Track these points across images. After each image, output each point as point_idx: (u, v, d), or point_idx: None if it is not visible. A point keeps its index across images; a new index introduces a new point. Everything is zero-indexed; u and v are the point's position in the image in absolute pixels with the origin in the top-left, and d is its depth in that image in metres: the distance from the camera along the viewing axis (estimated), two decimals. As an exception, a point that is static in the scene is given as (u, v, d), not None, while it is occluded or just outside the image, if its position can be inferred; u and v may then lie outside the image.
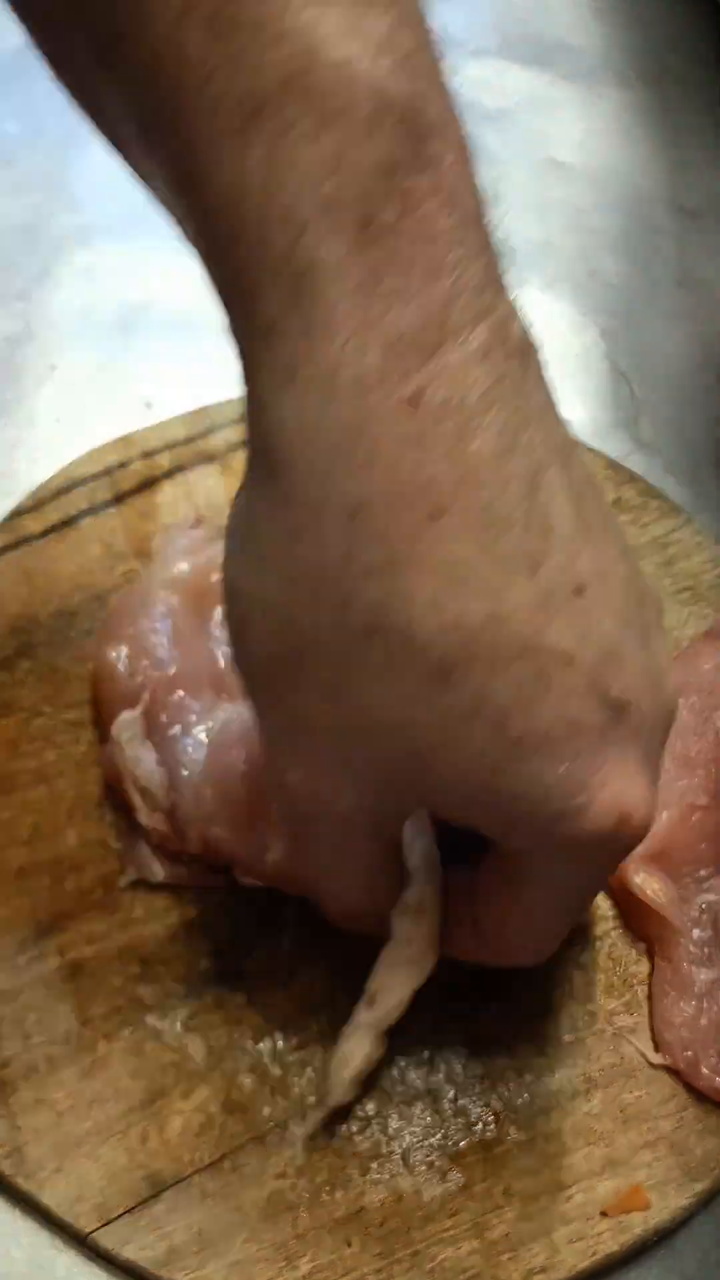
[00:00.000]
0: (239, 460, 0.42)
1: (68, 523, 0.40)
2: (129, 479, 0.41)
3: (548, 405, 0.24)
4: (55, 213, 0.51)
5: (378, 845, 0.27)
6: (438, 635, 0.22)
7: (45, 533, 0.40)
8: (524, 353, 0.23)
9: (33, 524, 0.40)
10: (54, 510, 0.40)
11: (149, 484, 0.41)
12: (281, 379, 0.21)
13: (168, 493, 0.41)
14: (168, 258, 0.48)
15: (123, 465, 0.41)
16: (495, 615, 0.22)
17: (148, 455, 0.42)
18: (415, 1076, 0.32)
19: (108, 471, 0.41)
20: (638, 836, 0.24)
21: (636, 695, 0.24)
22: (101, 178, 0.51)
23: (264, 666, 0.24)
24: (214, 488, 0.41)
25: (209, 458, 0.42)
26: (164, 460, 0.42)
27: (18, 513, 0.40)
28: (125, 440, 0.42)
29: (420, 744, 0.23)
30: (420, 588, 0.21)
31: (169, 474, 0.41)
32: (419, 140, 0.21)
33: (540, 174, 0.54)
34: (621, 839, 0.24)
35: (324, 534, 0.21)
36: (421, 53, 0.21)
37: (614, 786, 0.23)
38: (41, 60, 0.24)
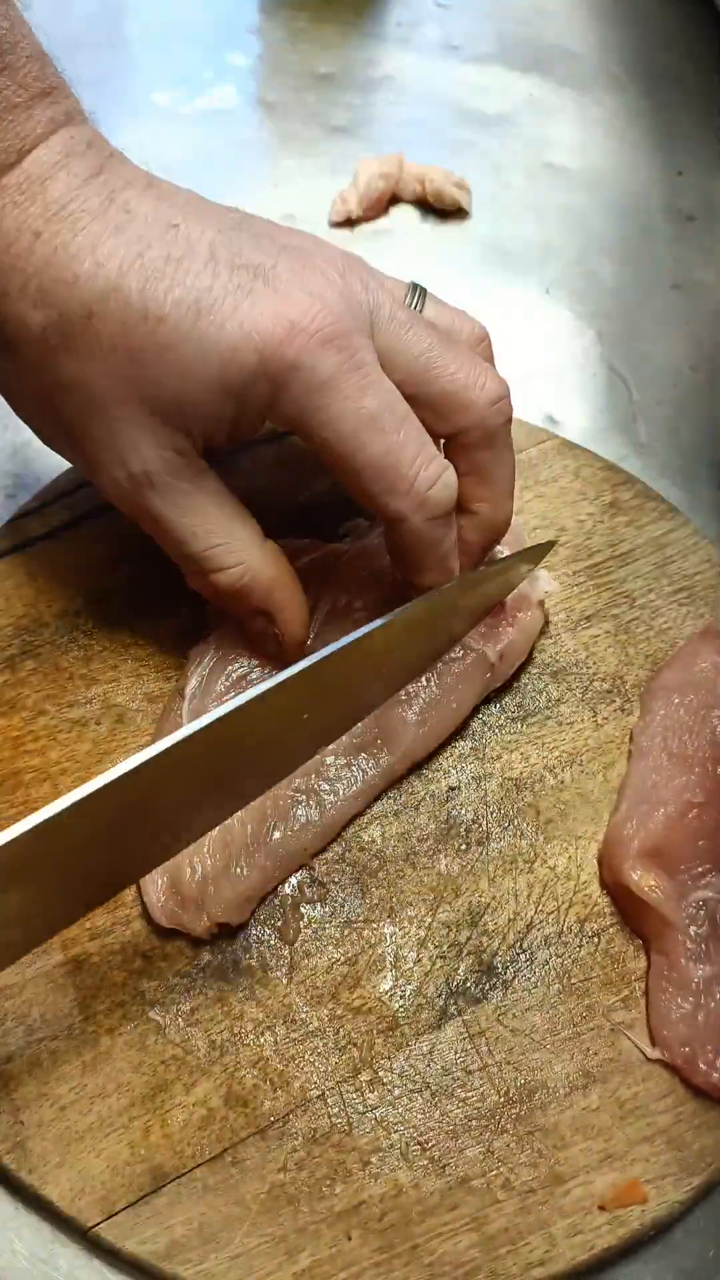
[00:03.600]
0: (242, 463, 0.42)
1: (72, 524, 0.40)
2: (131, 481, 0.41)
3: (115, 155, 0.34)
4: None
5: (202, 494, 0.34)
6: (66, 295, 0.31)
7: (50, 534, 0.40)
8: (81, 140, 0.33)
9: (37, 526, 0.40)
10: (58, 512, 0.41)
11: (151, 486, 0.41)
12: None
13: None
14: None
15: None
16: (97, 262, 0.31)
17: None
18: (415, 1070, 0.33)
19: (110, 473, 0.41)
20: (322, 331, 0.31)
21: (260, 262, 0.32)
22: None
23: (40, 424, 0.35)
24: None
25: (212, 461, 0.42)
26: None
27: (23, 514, 0.41)
28: (128, 442, 0.42)
29: (119, 371, 0.31)
30: (42, 280, 0.31)
31: (171, 476, 0.42)
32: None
33: (538, 178, 0.55)
34: (303, 338, 0.31)
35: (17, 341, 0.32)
36: None
37: (263, 310, 0.31)
38: None
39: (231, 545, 0.34)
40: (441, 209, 0.53)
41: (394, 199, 0.53)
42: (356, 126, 0.56)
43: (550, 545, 0.38)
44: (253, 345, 0.31)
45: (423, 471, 0.33)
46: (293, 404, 0.32)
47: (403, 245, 0.52)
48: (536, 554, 0.38)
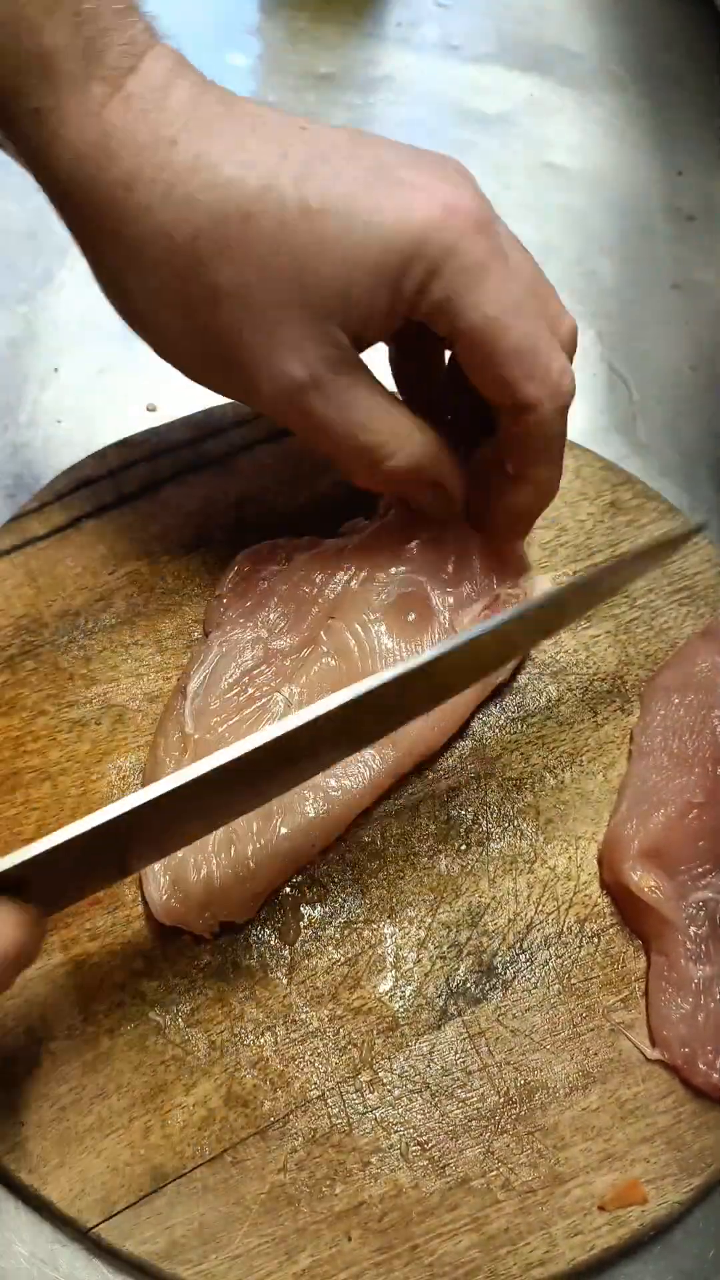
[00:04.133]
0: (242, 463, 0.42)
1: (71, 524, 0.40)
2: (132, 482, 0.41)
3: (211, 81, 0.33)
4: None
5: (362, 387, 0.34)
6: (219, 199, 0.31)
7: (49, 534, 0.40)
8: (180, 57, 0.33)
9: (37, 525, 0.40)
10: (58, 512, 0.41)
11: (152, 487, 0.41)
12: (57, 144, 0.31)
13: (170, 495, 0.41)
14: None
15: (126, 468, 0.42)
16: (243, 163, 0.31)
17: (151, 458, 0.42)
18: (415, 1071, 0.33)
19: (111, 474, 0.41)
20: (476, 214, 0.32)
21: (399, 159, 0.33)
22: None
23: (185, 345, 0.34)
24: (216, 491, 0.41)
25: (212, 461, 0.42)
26: (167, 463, 0.42)
27: (23, 514, 0.41)
28: (128, 443, 0.42)
29: (280, 272, 0.31)
30: (189, 187, 0.31)
31: (172, 477, 0.42)
32: None
33: (538, 178, 0.55)
34: (461, 219, 0.31)
35: (163, 240, 0.31)
36: None
37: (418, 194, 0.31)
38: None
39: (398, 431, 0.34)
40: (441, 209, 0.53)
41: (394, 199, 0.53)
42: (356, 126, 0.56)
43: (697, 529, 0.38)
44: (411, 230, 0.31)
45: (555, 360, 0.33)
46: (445, 287, 0.32)
47: (403, 245, 0.52)
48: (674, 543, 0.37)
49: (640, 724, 0.38)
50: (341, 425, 0.34)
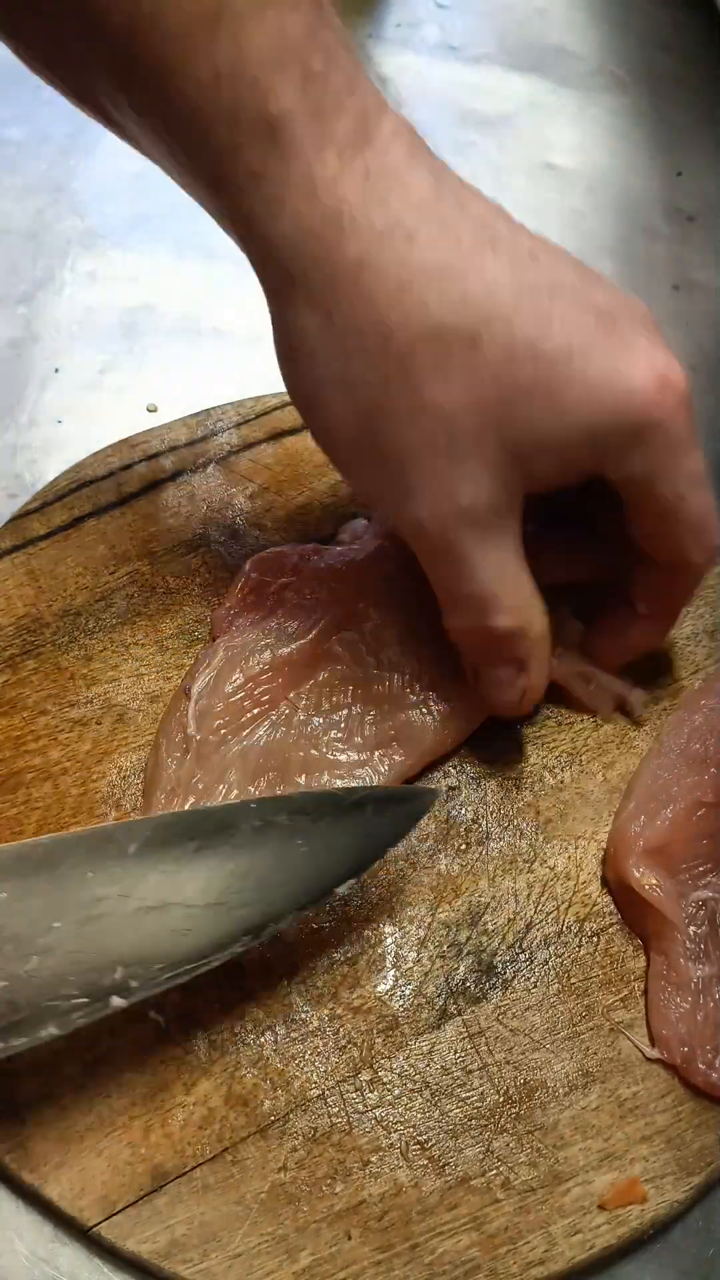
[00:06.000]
0: (242, 463, 0.42)
1: (72, 524, 0.40)
2: (133, 481, 0.42)
3: (443, 163, 0.31)
4: (59, 217, 0.51)
5: (510, 538, 0.32)
6: (453, 314, 0.29)
7: (50, 534, 0.40)
8: (415, 134, 0.31)
9: (38, 525, 0.40)
10: (59, 512, 0.41)
11: (152, 486, 0.42)
12: (276, 209, 0.29)
13: (171, 495, 0.41)
14: (171, 262, 0.49)
15: (126, 468, 0.42)
16: (486, 283, 0.29)
17: (151, 458, 0.42)
18: (415, 1070, 0.33)
19: (111, 474, 0.41)
20: (684, 390, 0.31)
21: (613, 305, 0.32)
22: (105, 182, 0.51)
23: (354, 440, 0.32)
24: (217, 490, 0.42)
25: (212, 460, 0.42)
26: (167, 463, 0.42)
27: (23, 514, 0.41)
28: (129, 443, 0.42)
29: (490, 404, 0.30)
30: (425, 291, 0.29)
31: (172, 477, 0.42)
32: (321, 6, 0.28)
33: (538, 178, 0.55)
34: (672, 396, 0.31)
35: (366, 339, 0.30)
36: None
37: (639, 360, 0.30)
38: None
39: (521, 595, 0.33)
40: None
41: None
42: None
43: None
44: (631, 401, 0.30)
45: (718, 529, 0.34)
46: (644, 460, 0.31)
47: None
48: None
49: (672, 722, 0.38)
50: (476, 567, 0.32)
